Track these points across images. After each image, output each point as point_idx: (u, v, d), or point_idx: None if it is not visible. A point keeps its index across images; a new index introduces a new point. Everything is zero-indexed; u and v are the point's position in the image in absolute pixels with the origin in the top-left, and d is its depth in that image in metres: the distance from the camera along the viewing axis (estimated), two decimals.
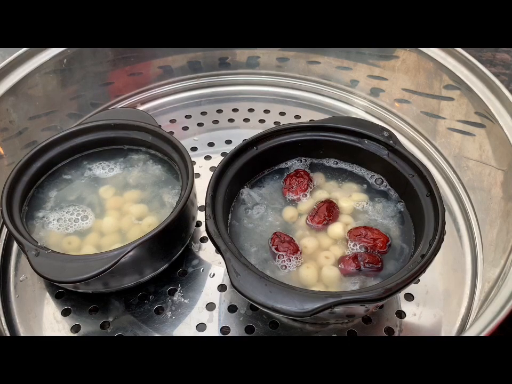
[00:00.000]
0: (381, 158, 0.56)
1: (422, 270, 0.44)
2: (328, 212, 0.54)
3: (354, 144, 0.57)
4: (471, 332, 0.41)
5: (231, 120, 0.78)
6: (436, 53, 0.67)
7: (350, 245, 0.52)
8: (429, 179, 0.51)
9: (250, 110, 0.80)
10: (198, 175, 0.69)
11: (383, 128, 0.58)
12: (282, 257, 0.50)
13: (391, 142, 0.56)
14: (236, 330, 0.53)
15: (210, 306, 0.55)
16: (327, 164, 0.60)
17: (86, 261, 0.46)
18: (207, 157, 0.72)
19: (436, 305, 0.55)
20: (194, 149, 0.73)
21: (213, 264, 0.59)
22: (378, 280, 0.49)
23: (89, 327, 0.53)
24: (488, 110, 0.60)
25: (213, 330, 0.53)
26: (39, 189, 0.57)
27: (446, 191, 0.67)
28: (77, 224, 0.54)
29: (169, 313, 0.54)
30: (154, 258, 0.53)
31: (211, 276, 0.58)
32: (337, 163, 0.60)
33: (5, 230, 0.62)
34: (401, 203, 0.55)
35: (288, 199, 0.56)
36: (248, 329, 0.53)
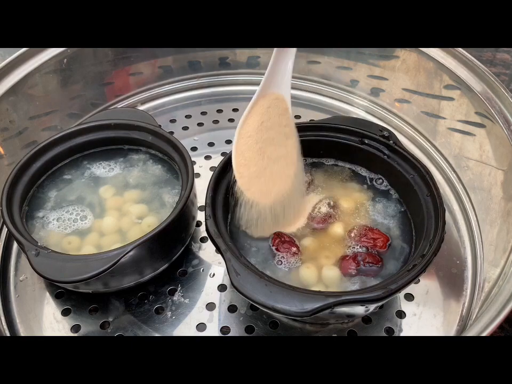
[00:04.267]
0: (381, 158, 0.56)
1: (422, 270, 0.44)
2: (328, 212, 0.54)
3: (354, 144, 0.57)
4: (471, 331, 0.41)
5: (231, 120, 0.78)
6: (436, 53, 0.67)
7: (350, 244, 0.52)
8: (429, 179, 0.52)
9: None
10: (198, 175, 0.69)
11: (383, 128, 0.58)
12: (282, 257, 0.50)
13: (391, 142, 0.56)
14: (235, 330, 0.53)
15: (210, 306, 0.55)
16: (327, 164, 0.60)
17: (86, 261, 0.46)
18: (207, 157, 0.72)
19: (436, 305, 0.55)
20: (194, 149, 0.73)
21: (213, 264, 0.59)
22: (378, 280, 0.49)
23: (89, 327, 0.53)
24: (488, 110, 0.60)
25: (213, 330, 0.53)
26: (39, 189, 0.57)
27: (446, 191, 0.67)
28: (76, 224, 0.54)
29: (169, 313, 0.54)
30: (154, 258, 0.53)
31: (211, 275, 0.58)
32: (337, 163, 0.60)
33: (5, 230, 0.62)
34: (401, 203, 0.55)
35: None
36: (248, 329, 0.53)
